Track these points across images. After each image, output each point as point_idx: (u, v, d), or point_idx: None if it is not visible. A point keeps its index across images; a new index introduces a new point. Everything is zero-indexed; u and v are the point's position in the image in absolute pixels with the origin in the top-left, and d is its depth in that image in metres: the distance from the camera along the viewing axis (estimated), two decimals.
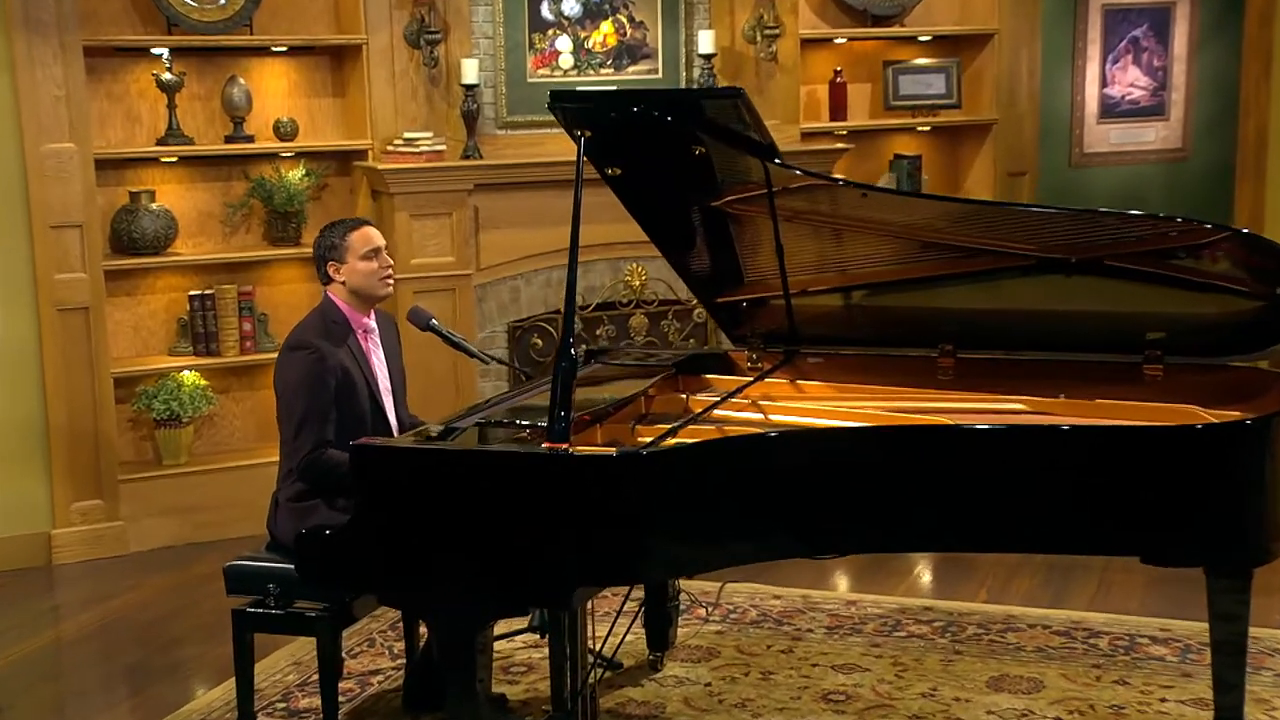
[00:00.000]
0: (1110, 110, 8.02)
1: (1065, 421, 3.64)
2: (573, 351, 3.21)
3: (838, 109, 7.05)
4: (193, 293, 5.92)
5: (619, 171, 3.57)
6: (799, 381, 4.10)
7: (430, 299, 5.94)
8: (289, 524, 3.86)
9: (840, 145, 6.77)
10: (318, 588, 3.58)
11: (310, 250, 5.88)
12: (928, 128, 7.36)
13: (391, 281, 4.05)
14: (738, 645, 4.54)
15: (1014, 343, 4.01)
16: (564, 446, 3.13)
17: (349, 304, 4.01)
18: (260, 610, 3.79)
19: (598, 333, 6.39)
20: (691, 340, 6.49)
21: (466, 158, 6.03)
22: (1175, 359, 3.86)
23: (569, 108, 3.33)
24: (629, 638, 4.38)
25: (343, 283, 4.00)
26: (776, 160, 3.67)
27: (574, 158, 3.30)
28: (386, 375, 4.08)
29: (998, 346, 4.02)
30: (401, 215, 5.90)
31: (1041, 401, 3.79)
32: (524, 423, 3.45)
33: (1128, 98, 8.01)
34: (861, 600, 4.93)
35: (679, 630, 4.60)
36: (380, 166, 5.86)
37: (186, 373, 5.89)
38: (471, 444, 3.35)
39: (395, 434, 4.01)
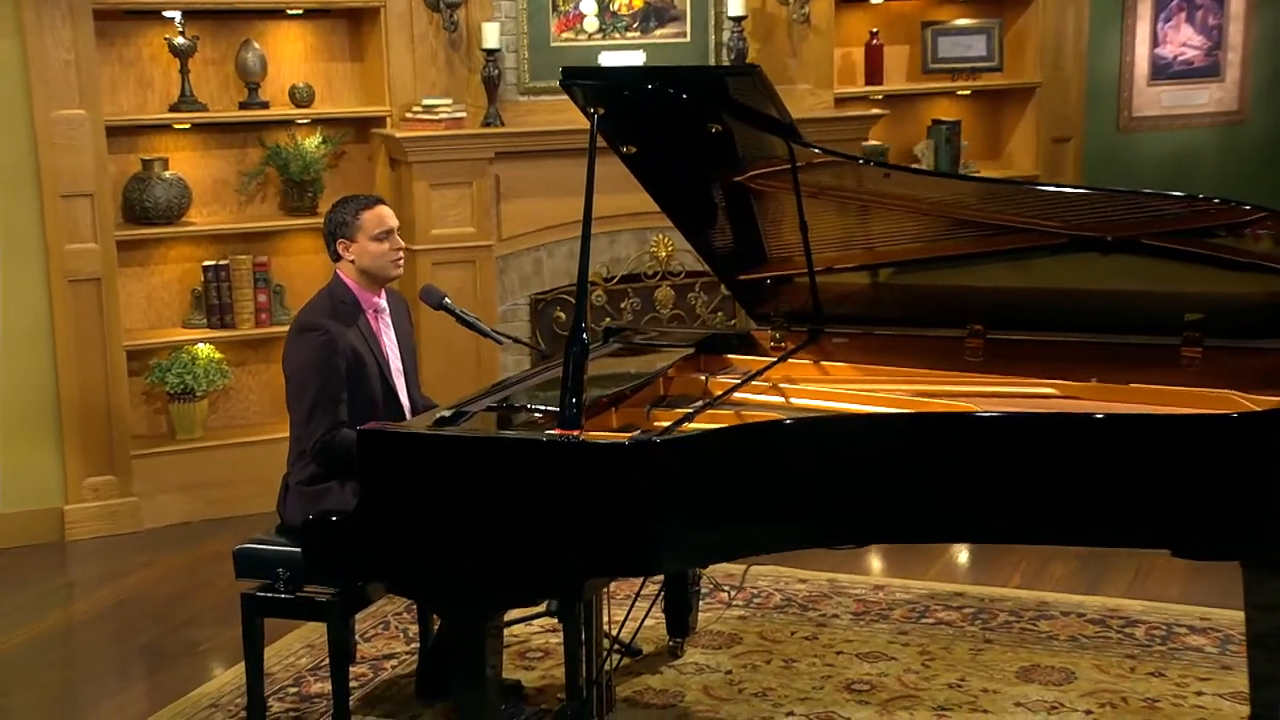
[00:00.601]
0: (1162, 71, 7.95)
1: (1096, 407, 3.64)
2: (585, 336, 3.22)
3: (873, 72, 7.03)
4: (207, 263, 5.98)
5: (635, 149, 3.58)
6: (823, 362, 4.11)
7: (450, 271, 5.98)
8: (299, 508, 3.90)
9: (875, 111, 6.74)
10: (324, 576, 3.63)
11: None
12: (968, 92, 7.33)
13: (402, 263, 4.07)
14: (761, 631, 4.57)
15: (1046, 323, 4.01)
16: (575, 433, 3.15)
17: (358, 283, 4.05)
18: (270, 595, 3.84)
19: (622, 305, 6.41)
20: (719, 313, 6.50)
21: (487, 125, 6.04)
22: (1215, 342, 3.85)
23: (581, 85, 3.34)
24: (649, 622, 4.42)
25: (352, 261, 4.03)
26: (797, 140, 3.66)
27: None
28: (398, 356, 4.11)
29: (1028, 327, 4.01)
30: (420, 185, 5.93)
31: (1073, 385, 3.79)
32: (536, 407, 3.47)
33: (1180, 58, 7.94)
34: (890, 585, 4.94)
35: (701, 615, 4.64)
36: (398, 134, 5.89)
37: (201, 345, 5.95)
38: (480, 429, 3.38)
39: (407, 415, 4.05)
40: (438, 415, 3.52)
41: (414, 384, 4.17)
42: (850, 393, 3.80)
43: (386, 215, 4.04)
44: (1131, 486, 3.25)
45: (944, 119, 7.25)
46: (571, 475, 3.14)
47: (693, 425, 3.47)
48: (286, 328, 5.86)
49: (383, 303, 4.11)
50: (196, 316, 6.02)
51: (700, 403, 3.75)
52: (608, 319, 6.38)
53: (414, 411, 4.10)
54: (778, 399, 3.81)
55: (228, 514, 5.87)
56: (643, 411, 3.64)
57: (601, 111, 3.31)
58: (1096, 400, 3.73)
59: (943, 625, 4.60)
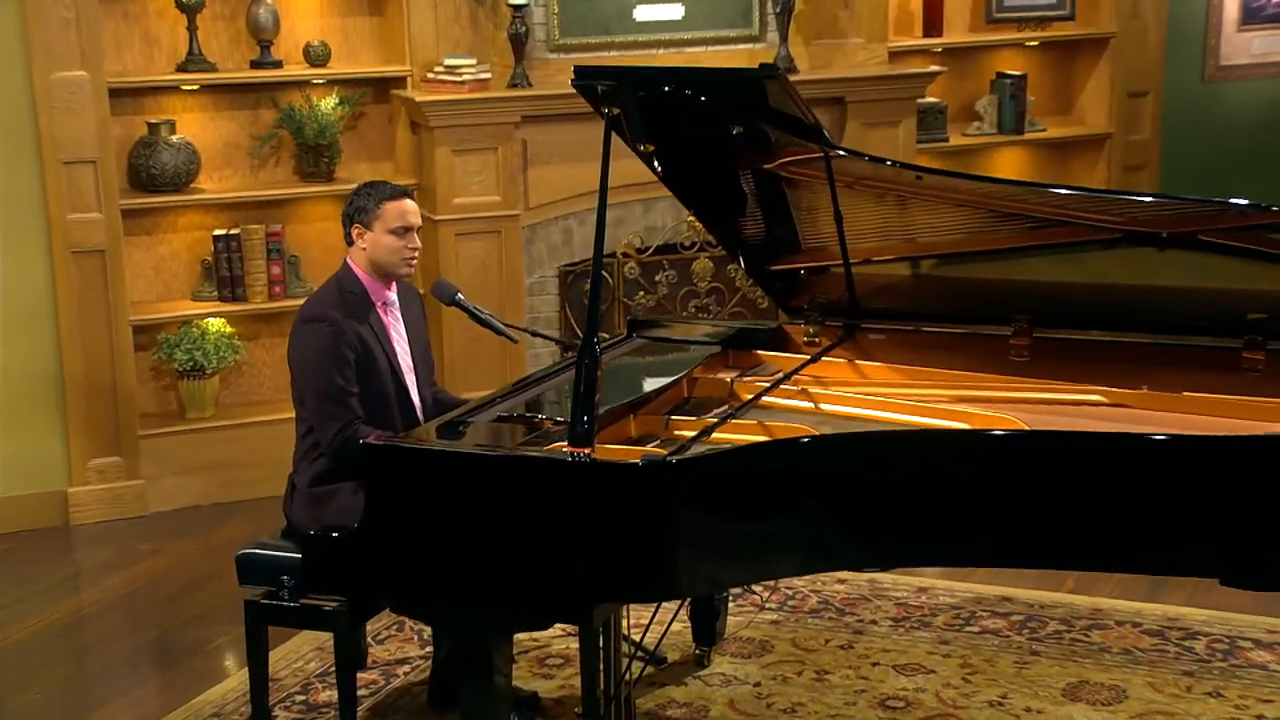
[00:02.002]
0: (1254, 15, 7.90)
1: (1146, 417, 3.70)
2: (597, 346, 3.30)
3: (932, 23, 7.03)
4: (217, 233, 6.10)
5: (653, 148, 3.65)
6: (858, 361, 4.18)
7: (474, 242, 6.08)
8: (306, 511, 4.02)
9: (933, 68, 6.75)
10: (328, 592, 3.75)
11: (344, 187, 6.10)
12: (1036, 43, 7.32)
13: (414, 263, 4.15)
14: (793, 639, 4.67)
15: (1095, 322, 4.05)
16: (586, 451, 3.24)
17: (368, 274, 4.14)
18: (274, 603, 3.97)
19: (657, 278, 6.48)
20: (758, 290, 6.56)
21: (514, 86, 6.11)
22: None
23: (594, 85, 3.41)
24: (675, 626, 4.52)
25: (363, 249, 4.12)
26: (823, 143, 3.72)
27: None
28: (408, 352, 4.20)
29: (1077, 325, 4.06)
30: (442, 150, 6.01)
31: (1121, 393, 3.83)
32: (549, 418, 3.57)
33: (1275, 0, 7.87)
34: (934, 587, 5.02)
35: (732, 619, 4.73)
36: (419, 98, 5.97)
37: (211, 319, 6.08)
38: (488, 445, 3.48)
39: (419, 413, 4.15)
40: (444, 421, 3.63)
41: (425, 382, 4.26)
42: (886, 399, 3.86)
43: (409, 211, 4.12)
44: (1182, 511, 3.29)
45: (1009, 72, 7.25)
46: (581, 496, 3.23)
47: (715, 436, 3.56)
48: (301, 300, 6.04)
49: (393, 295, 4.20)
50: (206, 289, 6.14)
51: (723, 410, 3.84)
52: (641, 293, 6.46)
53: (425, 411, 4.20)
54: (807, 405, 3.88)
55: (240, 497, 6.02)
56: (662, 420, 3.73)
57: (616, 112, 3.38)
58: (1147, 409, 3.78)
59: (988, 634, 4.67)
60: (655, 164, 3.81)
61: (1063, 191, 4.16)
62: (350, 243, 4.15)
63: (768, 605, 4.89)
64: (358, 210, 4.12)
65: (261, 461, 5.93)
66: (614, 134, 3.41)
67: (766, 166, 3.97)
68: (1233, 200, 3.56)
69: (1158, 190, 7.53)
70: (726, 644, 4.63)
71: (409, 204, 4.14)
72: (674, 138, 3.69)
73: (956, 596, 4.95)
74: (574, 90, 3.52)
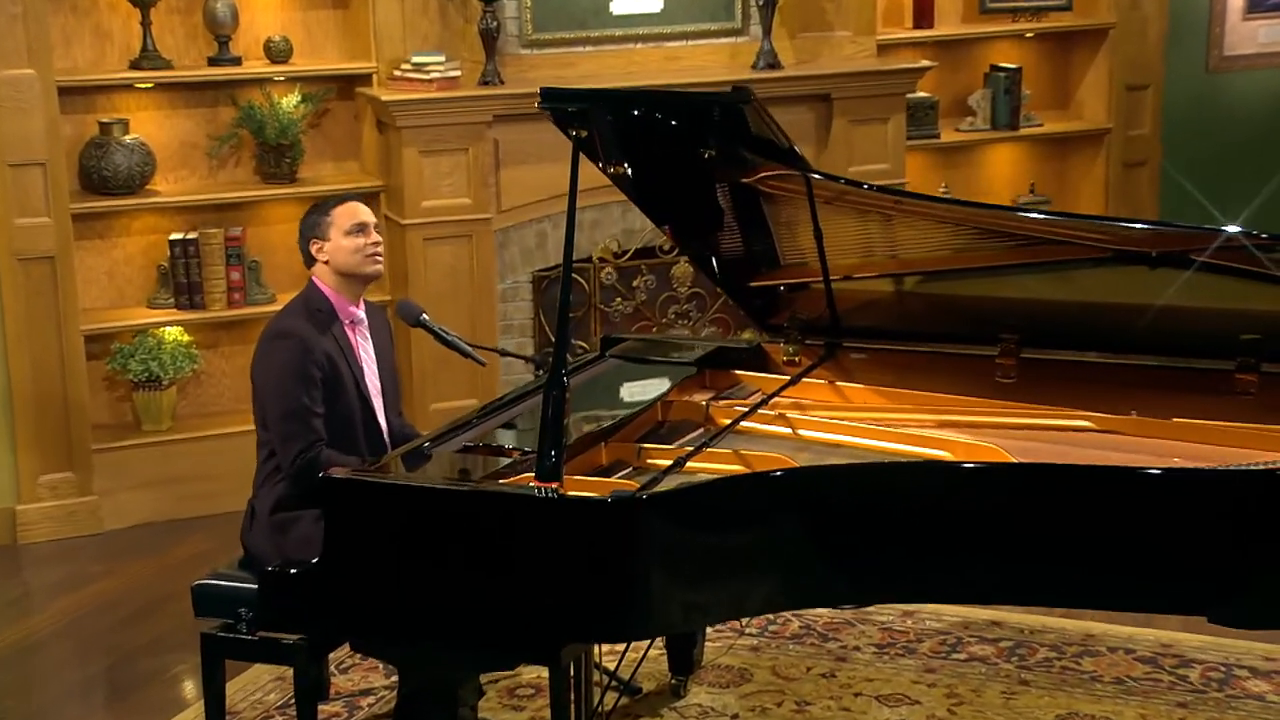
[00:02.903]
0: (1260, 3, 7.99)
1: (1136, 444, 3.78)
2: (565, 376, 3.37)
3: (923, 14, 7.10)
4: (174, 237, 6.14)
5: (623, 169, 3.71)
6: (839, 383, 4.24)
7: (443, 246, 6.14)
8: (266, 539, 4.09)
9: (924, 63, 6.82)
10: (285, 632, 3.81)
11: (307, 189, 6.16)
12: (1031, 34, 7.40)
13: (380, 260, 4.24)
14: (774, 667, 4.74)
15: (1084, 342, 4.12)
16: (554, 486, 3.31)
17: (335, 289, 4.21)
18: (231, 636, 4.02)
19: (635, 284, 6.55)
20: None
21: (485, 84, 6.16)
22: (1273, 367, 3.95)
23: (561, 109, 3.47)
24: (651, 653, 4.59)
25: (326, 262, 4.20)
26: (796, 166, 3.79)
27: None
28: (375, 374, 4.27)
29: (1065, 345, 4.13)
30: (410, 151, 6.07)
31: (1110, 419, 3.91)
32: (517, 448, 3.64)
33: None
34: (920, 611, 5.09)
35: (711, 645, 4.81)
36: (385, 97, 6.02)
37: (168, 328, 6.13)
38: (451, 478, 3.54)
39: (386, 438, 4.22)
40: (408, 450, 3.69)
41: (394, 408, 4.33)
42: (867, 425, 3.93)
43: (359, 209, 4.24)
44: (1169, 546, 3.37)
45: (1004, 65, 7.32)
46: (548, 533, 3.30)
47: (690, 465, 3.63)
48: (264, 308, 6.14)
49: (361, 313, 4.27)
50: (163, 296, 6.19)
51: (698, 436, 3.91)
52: (619, 299, 6.53)
53: (393, 438, 4.27)
54: (786, 430, 3.95)
55: (199, 513, 6.06)
56: (634, 448, 3.79)
57: (585, 134, 3.44)
58: (1136, 436, 3.86)
59: (975, 662, 4.75)
60: (626, 185, 3.87)
61: (1043, 217, 4.22)
62: (312, 262, 4.22)
63: (747, 631, 4.97)
64: (311, 227, 4.24)
65: (221, 475, 5.98)
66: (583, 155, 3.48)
67: (744, 180, 4.03)
68: (1225, 228, 3.62)
69: (1158, 189, 7.63)
70: (704, 672, 4.70)
71: (357, 204, 4.30)
72: (645, 156, 3.75)
73: (944, 621, 5.03)
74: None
